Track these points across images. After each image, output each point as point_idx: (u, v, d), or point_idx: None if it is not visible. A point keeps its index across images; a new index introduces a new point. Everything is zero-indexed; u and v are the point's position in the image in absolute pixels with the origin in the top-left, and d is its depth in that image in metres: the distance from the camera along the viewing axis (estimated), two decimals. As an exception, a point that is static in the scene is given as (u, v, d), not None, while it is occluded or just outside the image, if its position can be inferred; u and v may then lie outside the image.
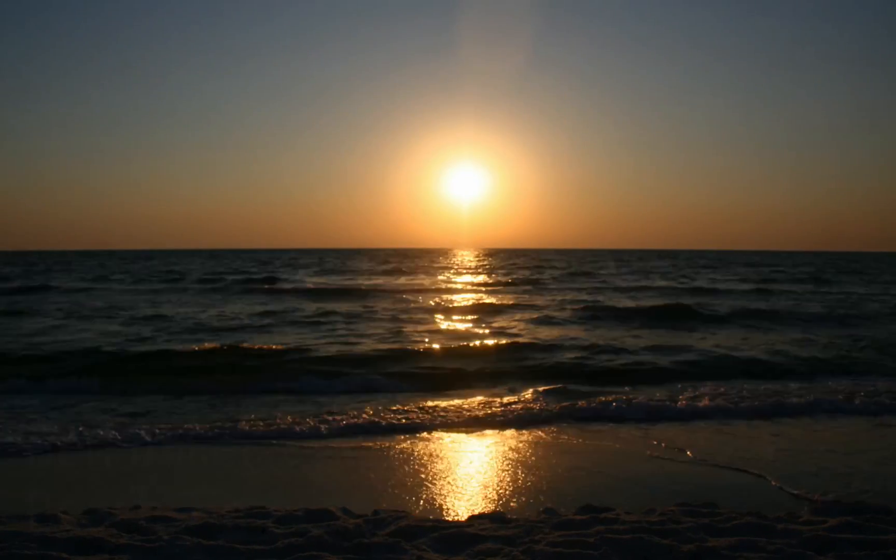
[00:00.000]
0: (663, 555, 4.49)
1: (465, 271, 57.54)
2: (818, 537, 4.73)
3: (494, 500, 6.19)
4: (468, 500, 6.22)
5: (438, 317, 23.30)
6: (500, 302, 28.16)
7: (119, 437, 8.07)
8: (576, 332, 18.90)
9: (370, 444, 8.08)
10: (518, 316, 23.22)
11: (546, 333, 18.71)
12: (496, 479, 6.84)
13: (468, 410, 9.68)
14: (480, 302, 28.49)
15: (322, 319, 21.39)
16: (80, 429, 8.43)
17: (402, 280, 44.25)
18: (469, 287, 38.70)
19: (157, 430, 8.37)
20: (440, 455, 7.66)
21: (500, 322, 21.61)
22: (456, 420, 9.21)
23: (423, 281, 43.86)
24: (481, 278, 46.33)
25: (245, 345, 15.87)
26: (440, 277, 47.78)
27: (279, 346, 15.52)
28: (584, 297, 30.92)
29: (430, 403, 10.16)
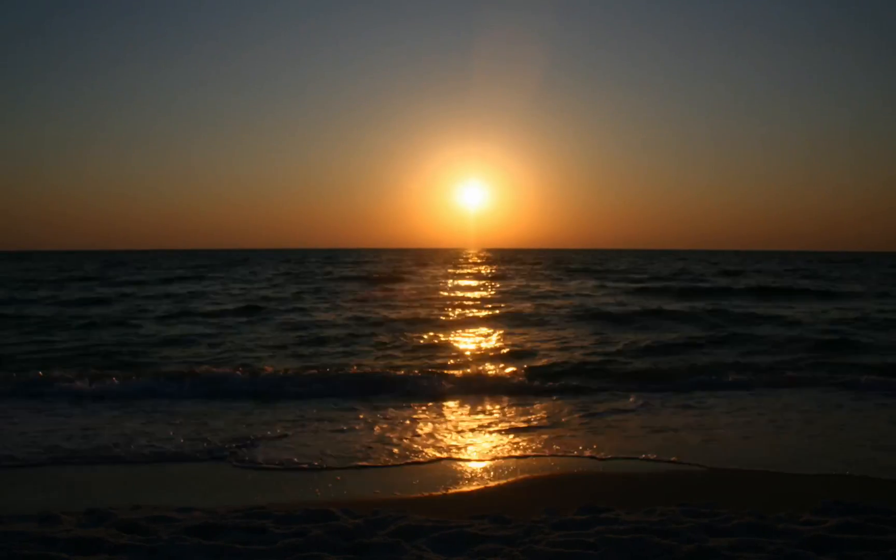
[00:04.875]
0: (663, 555, 4.49)
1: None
2: (818, 537, 4.72)
3: (494, 500, 6.19)
4: (468, 499, 6.22)
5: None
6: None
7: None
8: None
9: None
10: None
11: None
12: (497, 478, 6.85)
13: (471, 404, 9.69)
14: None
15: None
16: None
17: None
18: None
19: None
20: (440, 454, 7.67)
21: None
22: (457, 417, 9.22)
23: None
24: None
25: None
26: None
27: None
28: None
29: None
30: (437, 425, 9.00)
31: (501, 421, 9.27)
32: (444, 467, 7.25)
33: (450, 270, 58.48)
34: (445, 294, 33.25)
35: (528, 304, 27.01)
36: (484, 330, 20.20)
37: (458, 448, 7.96)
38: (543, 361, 14.40)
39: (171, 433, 8.49)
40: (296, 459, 7.46)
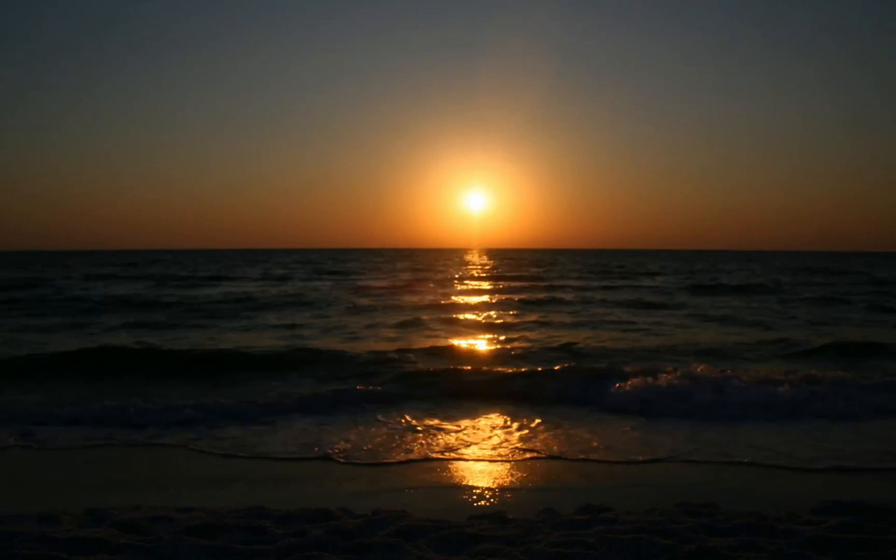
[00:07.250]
0: (663, 555, 4.49)
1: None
2: (818, 537, 4.72)
3: (494, 500, 6.19)
4: (468, 500, 6.22)
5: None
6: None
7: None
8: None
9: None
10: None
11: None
12: (496, 478, 6.84)
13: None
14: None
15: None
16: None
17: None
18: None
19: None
20: (440, 453, 7.66)
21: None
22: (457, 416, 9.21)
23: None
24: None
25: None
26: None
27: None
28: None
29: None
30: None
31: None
32: (444, 466, 7.24)
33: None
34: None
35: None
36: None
37: (458, 444, 7.96)
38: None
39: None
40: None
